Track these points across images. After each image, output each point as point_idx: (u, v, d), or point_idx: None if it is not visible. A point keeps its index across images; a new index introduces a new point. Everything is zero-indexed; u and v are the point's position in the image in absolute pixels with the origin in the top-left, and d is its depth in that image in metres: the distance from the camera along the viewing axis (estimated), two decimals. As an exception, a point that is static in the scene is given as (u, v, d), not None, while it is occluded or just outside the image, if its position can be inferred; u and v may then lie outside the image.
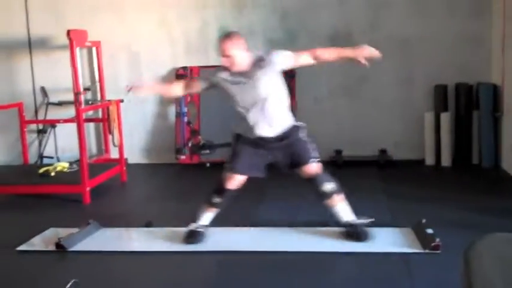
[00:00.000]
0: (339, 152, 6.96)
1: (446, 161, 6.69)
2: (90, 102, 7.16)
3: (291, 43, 7.00)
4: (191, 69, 7.15)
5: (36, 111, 7.50)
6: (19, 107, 6.75)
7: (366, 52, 4.09)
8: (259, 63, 4.02)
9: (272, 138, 4.11)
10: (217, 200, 4.30)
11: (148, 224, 4.77)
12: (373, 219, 4.28)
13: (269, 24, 7.07)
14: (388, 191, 5.66)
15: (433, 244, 3.94)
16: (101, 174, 6.00)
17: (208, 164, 7.00)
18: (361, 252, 4.02)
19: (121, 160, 6.54)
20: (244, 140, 4.18)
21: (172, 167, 7.06)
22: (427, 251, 3.94)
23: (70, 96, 7.00)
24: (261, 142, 4.12)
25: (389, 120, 7.03)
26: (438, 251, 3.91)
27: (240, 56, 4.00)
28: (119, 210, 5.44)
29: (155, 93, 4.30)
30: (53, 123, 7.32)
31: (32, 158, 7.29)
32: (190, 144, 7.10)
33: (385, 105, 7.03)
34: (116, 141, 6.55)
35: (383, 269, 3.78)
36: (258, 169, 4.23)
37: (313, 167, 4.16)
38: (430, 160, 6.80)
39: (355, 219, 4.24)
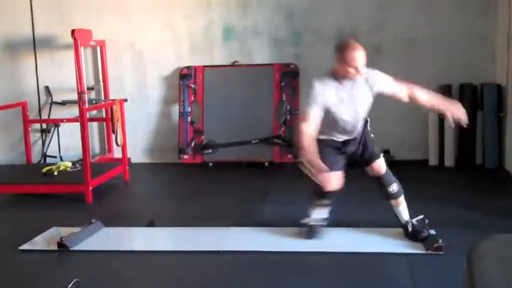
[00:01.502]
0: (342, 152, 6.93)
1: (449, 161, 6.67)
2: (94, 102, 7.16)
3: (296, 43, 7.02)
4: (195, 68, 7.15)
5: (40, 111, 7.51)
6: (23, 106, 6.76)
7: (457, 113, 4.02)
8: (367, 81, 4.01)
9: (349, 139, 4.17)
10: (326, 201, 4.26)
11: (150, 224, 4.77)
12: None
13: (274, 23, 7.06)
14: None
15: (435, 245, 3.93)
16: (104, 174, 6.00)
17: (211, 164, 7.00)
18: (364, 252, 4.02)
19: (124, 159, 6.54)
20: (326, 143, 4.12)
21: (175, 167, 7.06)
22: (429, 252, 3.93)
23: (74, 96, 7.00)
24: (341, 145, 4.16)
25: (392, 120, 7.00)
26: (441, 252, 3.90)
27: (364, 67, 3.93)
28: (122, 209, 5.44)
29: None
30: (56, 123, 7.33)
31: (36, 157, 7.30)
32: (193, 144, 7.10)
33: (388, 105, 6.97)
34: (119, 141, 6.55)
35: (385, 270, 3.78)
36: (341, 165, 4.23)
37: (381, 165, 4.24)
38: (433, 160, 6.78)
39: (412, 219, 4.23)
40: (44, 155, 7.43)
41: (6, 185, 5.86)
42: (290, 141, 6.91)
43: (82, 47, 6.81)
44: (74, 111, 6.88)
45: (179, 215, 5.07)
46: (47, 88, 7.46)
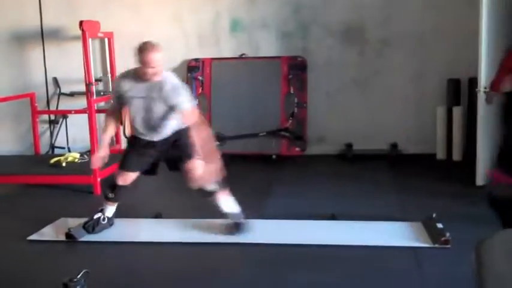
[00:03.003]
0: (349, 146, 6.94)
1: (457, 155, 6.66)
2: (101, 93, 7.17)
3: (304, 36, 7.00)
4: (203, 61, 7.15)
5: (48, 102, 7.53)
6: (31, 97, 6.78)
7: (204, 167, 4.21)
8: (162, 86, 4.08)
9: (158, 141, 4.28)
10: (110, 195, 4.43)
11: (157, 215, 4.79)
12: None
13: (282, 16, 7.04)
14: (398, 185, 5.64)
15: (443, 239, 3.93)
16: (112, 165, 6.00)
17: (218, 156, 7.00)
18: (371, 245, 4.02)
19: (132, 151, 6.54)
20: (135, 141, 4.38)
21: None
22: (437, 245, 3.94)
23: (82, 87, 7.02)
24: (150, 143, 4.30)
25: (401, 114, 6.99)
26: (448, 246, 3.90)
27: (161, 69, 4.10)
28: (129, 201, 5.42)
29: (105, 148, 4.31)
30: (64, 114, 7.35)
31: (44, 148, 7.33)
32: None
33: (397, 99, 6.99)
34: (127, 132, 6.55)
35: (393, 263, 3.78)
36: (145, 166, 4.41)
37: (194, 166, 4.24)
38: (441, 154, 6.77)
39: (237, 212, 4.35)
40: (52, 146, 7.46)
41: (14, 175, 5.89)
42: (298, 134, 6.91)
43: (90, 39, 6.82)
44: (82, 102, 6.90)
45: (186, 207, 5.08)
46: (55, 79, 7.48)
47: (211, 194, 4.30)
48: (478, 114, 5.49)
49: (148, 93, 4.11)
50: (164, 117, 4.17)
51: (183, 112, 4.12)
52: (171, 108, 4.11)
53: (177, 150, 4.27)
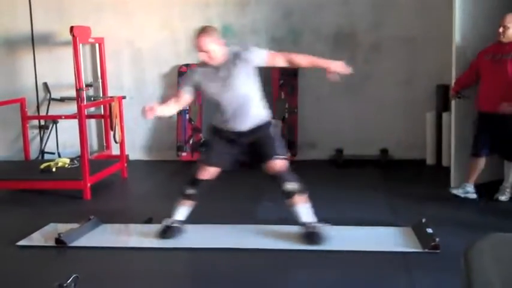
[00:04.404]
0: (339, 151, 6.96)
1: (446, 160, 6.68)
2: (92, 99, 7.16)
3: (295, 41, 7.02)
4: (193, 66, 7.15)
5: (38, 107, 7.51)
6: (21, 102, 6.76)
7: (335, 66, 4.13)
8: (234, 60, 4.06)
9: (243, 132, 4.16)
10: (191, 191, 4.33)
11: (148, 221, 4.78)
12: (330, 224, 4.26)
13: (272, 22, 7.07)
14: (388, 190, 5.66)
15: (432, 244, 3.95)
16: (102, 171, 6.00)
17: (209, 162, 7.00)
18: (361, 250, 4.03)
19: (122, 156, 6.55)
20: (218, 133, 4.26)
21: (174, 164, 7.06)
22: (426, 250, 3.95)
23: (72, 93, 7.01)
24: (233, 136, 4.18)
25: (391, 120, 7.02)
26: (438, 251, 3.91)
27: (217, 50, 4.05)
28: (120, 206, 5.45)
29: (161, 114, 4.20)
30: (54, 119, 7.33)
31: (34, 153, 7.30)
32: (191, 142, 7.10)
33: (386, 104, 7.02)
34: (118, 138, 6.56)
35: (382, 268, 3.79)
36: (228, 161, 4.31)
37: (277, 164, 4.16)
38: (430, 160, 6.81)
39: (314, 221, 4.21)
40: (42, 152, 7.44)
41: (4, 181, 5.87)
42: (288, 140, 6.92)
43: (81, 44, 6.82)
44: (73, 107, 6.88)
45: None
46: (45, 84, 7.46)
47: (292, 194, 4.17)
48: (451, 120, 5.63)
49: (221, 74, 4.06)
50: (248, 96, 4.11)
51: (268, 56, 4.12)
52: (251, 78, 4.08)
53: (259, 146, 4.18)
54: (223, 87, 4.07)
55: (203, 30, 4.06)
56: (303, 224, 4.20)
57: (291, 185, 4.16)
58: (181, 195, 4.37)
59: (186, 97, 4.24)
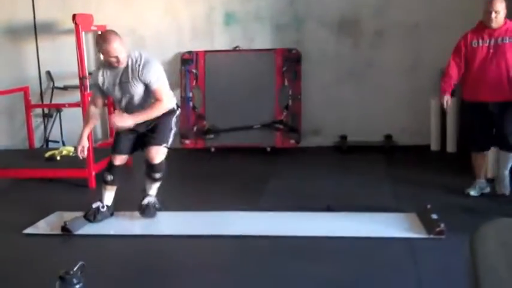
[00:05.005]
0: (343, 138, 6.95)
1: (451, 146, 6.68)
2: (95, 87, 7.14)
3: (298, 28, 7.00)
4: (197, 53, 7.14)
5: (41, 96, 7.51)
6: (25, 91, 6.76)
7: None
8: (132, 69, 4.22)
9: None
10: (109, 177, 4.55)
11: (153, 208, 4.79)
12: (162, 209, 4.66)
13: (276, 9, 7.03)
14: (393, 176, 5.66)
15: (437, 229, 3.95)
16: (106, 159, 5.99)
17: (213, 149, 7.02)
18: (366, 237, 4.03)
19: (126, 145, 6.54)
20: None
21: (177, 152, 7.03)
22: (431, 236, 3.95)
23: (75, 81, 6.98)
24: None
25: (395, 106, 7.00)
26: (442, 236, 3.92)
27: (122, 55, 4.19)
28: (124, 194, 5.43)
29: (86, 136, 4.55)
30: (58, 108, 7.33)
31: (38, 142, 7.31)
32: (195, 129, 7.10)
33: (391, 90, 7.00)
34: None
35: (387, 254, 3.79)
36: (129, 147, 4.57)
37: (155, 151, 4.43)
38: (435, 146, 6.80)
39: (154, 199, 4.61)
40: (46, 140, 7.45)
41: (9, 169, 5.88)
42: (292, 127, 6.92)
43: (83, 32, 6.79)
44: (76, 96, 6.87)
45: (181, 200, 5.10)
46: (48, 73, 7.45)
47: (157, 180, 4.58)
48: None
49: (121, 79, 4.25)
50: (145, 100, 4.30)
51: (154, 90, 4.26)
52: (147, 88, 4.25)
53: (149, 131, 4.42)
54: (121, 92, 4.30)
55: (112, 38, 4.15)
56: (145, 195, 4.59)
57: (157, 175, 4.56)
58: (102, 181, 4.60)
59: (98, 97, 4.50)
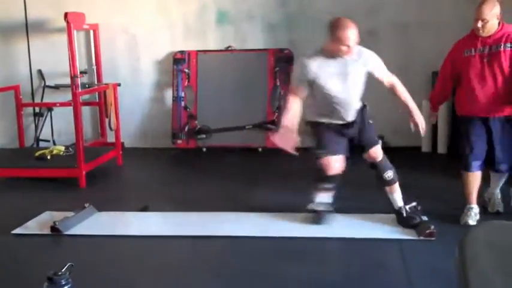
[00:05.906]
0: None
1: (442, 148, 6.70)
2: (87, 86, 7.12)
3: (291, 28, 6.99)
4: (189, 53, 7.12)
5: (32, 94, 7.47)
6: (16, 89, 6.72)
7: (420, 120, 4.34)
8: (357, 57, 4.07)
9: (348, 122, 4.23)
10: (329, 185, 4.30)
11: (144, 208, 4.77)
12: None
13: (269, 8, 7.02)
14: (384, 177, 5.65)
15: (427, 231, 3.96)
16: (97, 158, 5.99)
17: (204, 149, 7.00)
18: (356, 238, 4.04)
19: (117, 144, 6.53)
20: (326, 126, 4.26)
21: (169, 152, 7.06)
22: (421, 238, 3.96)
23: (67, 80, 6.98)
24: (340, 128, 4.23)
25: (387, 107, 6.98)
26: (433, 238, 3.92)
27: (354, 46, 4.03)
28: (115, 194, 5.44)
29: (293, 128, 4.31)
30: (49, 107, 7.29)
31: (28, 141, 7.28)
32: (187, 129, 7.09)
33: (382, 91, 6.98)
34: (113, 125, 6.53)
35: (377, 256, 3.80)
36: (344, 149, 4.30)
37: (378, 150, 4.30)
38: (426, 147, 6.81)
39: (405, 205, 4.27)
40: (37, 139, 7.41)
41: (-1, 168, 5.85)
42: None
43: (75, 31, 6.77)
44: (67, 95, 6.85)
45: (172, 200, 5.08)
46: (39, 72, 7.42)
47: (390, 182, 4.28)
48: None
49: (343, 70, 4.05)
50: (358, 94, 4.19)
51: (391, 79, 4.25)
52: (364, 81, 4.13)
53: (364, 133, 4.28)
54: (340, 80, 4.10)
55: (352, 24, 4.04)
56: (398, 208, 4.24)
57: (389, 174, 4.36)
58: (318, 190, 4.32)
59: (303, 90, 4.18)
